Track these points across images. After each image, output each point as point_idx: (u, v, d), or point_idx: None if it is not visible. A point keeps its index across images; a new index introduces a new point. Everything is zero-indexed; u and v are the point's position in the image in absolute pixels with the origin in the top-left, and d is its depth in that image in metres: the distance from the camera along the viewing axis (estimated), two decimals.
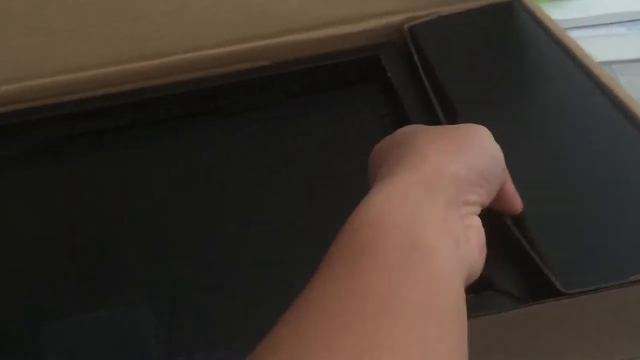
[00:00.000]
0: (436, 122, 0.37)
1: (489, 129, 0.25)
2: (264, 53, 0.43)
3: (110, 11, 0.41)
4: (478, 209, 0.22)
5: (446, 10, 0.45)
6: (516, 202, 0.26)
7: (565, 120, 0.35)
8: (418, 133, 0.24)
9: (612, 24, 0.56)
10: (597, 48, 0.53)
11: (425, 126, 0.25)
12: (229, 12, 0.42)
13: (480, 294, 0.24)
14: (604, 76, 0.37)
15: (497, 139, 0.25)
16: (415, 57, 0.41)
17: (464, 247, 0.20)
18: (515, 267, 0.26)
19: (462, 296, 0.19)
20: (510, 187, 0.26)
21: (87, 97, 0.41)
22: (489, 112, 0.36)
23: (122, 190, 0.39)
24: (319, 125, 0.42)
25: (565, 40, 0.41)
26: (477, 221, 0.22)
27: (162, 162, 0.41)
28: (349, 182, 0.37)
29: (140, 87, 0.42)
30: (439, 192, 0.21)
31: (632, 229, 0.27)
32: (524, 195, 0.27)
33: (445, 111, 0.37)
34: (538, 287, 0.24)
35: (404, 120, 0.39)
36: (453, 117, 0.36)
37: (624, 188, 0.29)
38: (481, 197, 0.22)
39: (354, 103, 0.44)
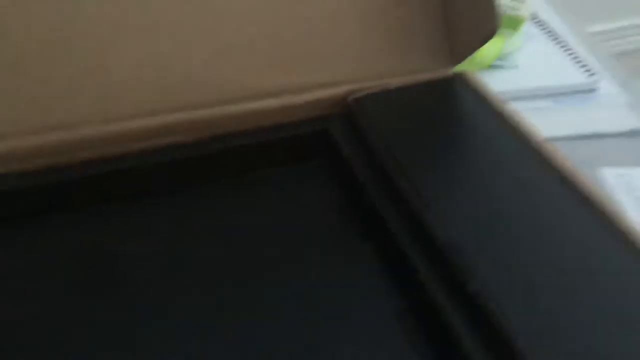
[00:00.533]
0: (398, 202, 0.33)
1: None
2: (193, 125, 0.37)
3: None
4: None
5: (391, 82, 0.41)
6: None
7: (525, 201, 0.33)
8: None
9: (539, 96, 0.56)
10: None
11: None
12: (150, 76, 0.36)
13: None
14: (547, 149, 0.36)
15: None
16: (368, 134, 0.37)
17: None
18: None
19: None
20: None
21: None
22: (453, 191, 0.33)
23: (29, 284, 0.31)
24: (256, 209, 0.37)
25: (507, 114, 0.40)
26: None
27: (77, 251, 0.33)
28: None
29: (43, 167, 0.34)
30: None
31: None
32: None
33: (412, 195, 0.33)
34: None
35: (362, 200, 0.35)
36: (422, 206, 0.32)
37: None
38: None
39: (300, 181, 0.39)
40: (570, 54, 0.61)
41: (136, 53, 0.36)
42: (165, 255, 0.34)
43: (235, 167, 0.38)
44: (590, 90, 0.56)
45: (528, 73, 0.57)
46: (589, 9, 1.40)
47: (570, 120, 0.53)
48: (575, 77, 0.57)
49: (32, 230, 0.35)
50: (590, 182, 0.34)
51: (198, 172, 0.38)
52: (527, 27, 0.64)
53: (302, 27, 0.39)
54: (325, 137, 0.39)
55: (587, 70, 0.58)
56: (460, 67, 0.43)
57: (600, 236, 0.29)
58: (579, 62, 0.59)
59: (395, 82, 0.41)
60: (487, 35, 0.39)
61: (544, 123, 0.53)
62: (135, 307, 0.31)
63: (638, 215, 0.44)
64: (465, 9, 0.40)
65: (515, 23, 0.62)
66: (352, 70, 0.40)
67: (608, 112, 0.54)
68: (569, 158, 0.48)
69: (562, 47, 0.62)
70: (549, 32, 0.65)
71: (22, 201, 0.34)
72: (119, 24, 0.35)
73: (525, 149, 0.38)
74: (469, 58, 0.43)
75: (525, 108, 0.55)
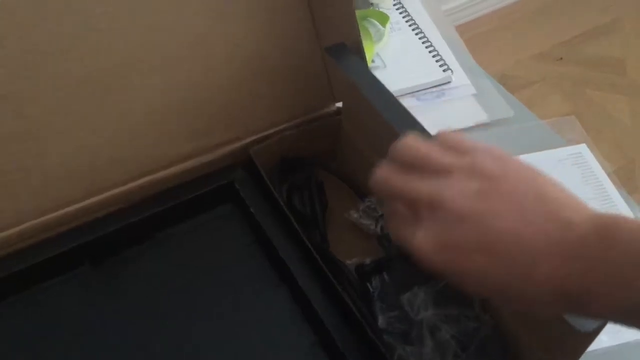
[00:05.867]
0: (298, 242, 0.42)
1: None
2: (121, 198, 0.43)
3: None
4: None
5: (286, 131, 0.49)
6: None
7: None
8: None
9: (405, 95, 0.65)
10: None
11: None
12: (81, 164, 0.41)
13: None
14: None
15: None
16: (266, 179, 0.45)
17: None
18: None
19: None
20: None
21: None
22: None
23: None
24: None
25: None
26: None
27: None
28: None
29: None
30: None
31: None
32: None
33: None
34: None
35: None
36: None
37: None
38: None
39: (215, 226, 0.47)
40: (427, 47, 0.70)
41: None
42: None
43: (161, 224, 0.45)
44: (445, 83, 0.67)
45: (394, 73, 0.66)
46: None
47: (431, 118, 0.63)
48: (433, 73, 0.67)
49: None
50: None
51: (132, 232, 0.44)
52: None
53: (205, 97, 0.44)
54: (231, 187, 0.47)
55: (442, 65, 0.68)
56: None
57: None
58: (435, 55, 0.69)
59: (290, 125, 0.49)
60: None
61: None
62: None
63: None
64: None
65: (383, 19, 0.70)
66: (253, 126, 0.47)
67: (460, 105, 0.65)
68: None
69: (420, 38, 0.71)
70: (409, 18, 0.73)
71: None
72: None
73: None
74: None
75: None
